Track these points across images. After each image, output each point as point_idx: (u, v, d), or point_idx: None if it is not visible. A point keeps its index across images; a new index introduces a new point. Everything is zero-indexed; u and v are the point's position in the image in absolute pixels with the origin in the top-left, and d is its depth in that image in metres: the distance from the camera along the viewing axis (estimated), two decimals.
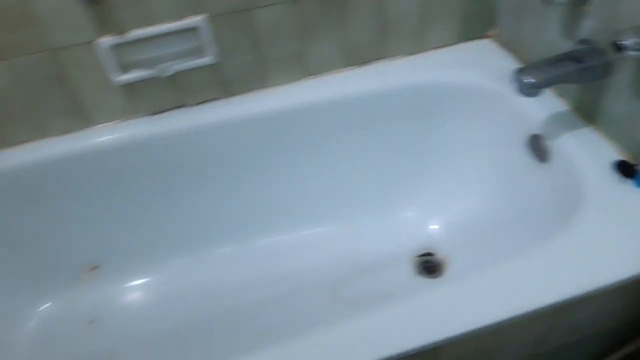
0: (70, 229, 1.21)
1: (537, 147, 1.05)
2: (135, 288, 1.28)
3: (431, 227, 1.32)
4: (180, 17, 1.03)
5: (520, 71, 0.90)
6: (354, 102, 1.20)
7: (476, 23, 1.24)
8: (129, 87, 1.10)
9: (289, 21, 1.11)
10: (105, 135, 1.13)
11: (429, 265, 1.27)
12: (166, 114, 1.16)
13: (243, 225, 1.33)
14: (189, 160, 1.19)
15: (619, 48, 0.79)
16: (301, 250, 1.33)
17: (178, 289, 1.28)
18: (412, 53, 1.25)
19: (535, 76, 0.88)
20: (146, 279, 1.29)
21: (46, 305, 1.24)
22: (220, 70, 1.14)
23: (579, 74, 0.90)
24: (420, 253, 1.29)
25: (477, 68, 1.19)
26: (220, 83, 1.16)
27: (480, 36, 1.27)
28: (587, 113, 1.00)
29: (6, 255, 1.18)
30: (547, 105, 1.06)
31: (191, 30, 1.05)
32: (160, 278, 1.30)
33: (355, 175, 1.33)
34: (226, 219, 1.32)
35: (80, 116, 1.11)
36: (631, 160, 0.91)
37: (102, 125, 1.14)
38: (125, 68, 1.06)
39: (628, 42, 0.78)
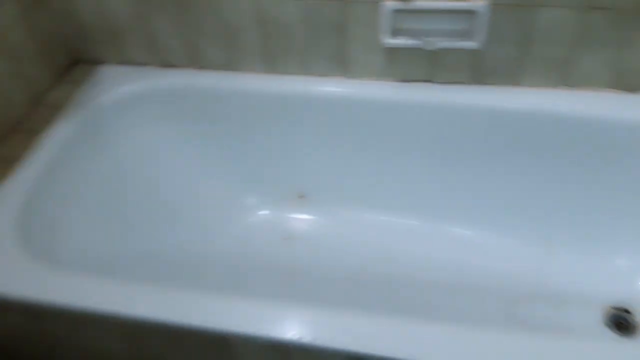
0: (294, 157, 1.37)
1: None
2: (331, 221, 1.40)
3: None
4: None
5: None
6: (606, 128, 1.12)
7: None
8: (392, 51, 1.17)
9: (569, 27, 1.07)
10: (356, 88, 1.23)
11: (622, 322, 1.17)
12: (414, 84, 1.22)
13: (441, 206, 1.35)
14: (421, 133, 1.24)
15: None
16: (489, 252, 1.31)
17: (360, 239, 1.36)
18: None
19: None
20: (343, 216, 1.40)
21: (263, 212, 1.42)
22: (480, 57, 1.15)
23: None
24: (616, 305, 1.19)
25: None
26: (474, 69, 1.17)
27: None
28: None
29: (241, 165, 1.38)
30: None
31: (469, 12, 1.07)
32: (354, 223, 1.39)
33: (571, 199, 1.26)
34: (423, 195, 1.35)
35: (340, 65, 1.22)
36: None
37: (357, 79, 1.24)
38: (395, 33, 1.14)
39: None
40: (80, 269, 0.94)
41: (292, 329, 0.80)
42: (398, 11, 1.10)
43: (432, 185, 1.33)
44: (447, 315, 1.19)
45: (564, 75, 1.15)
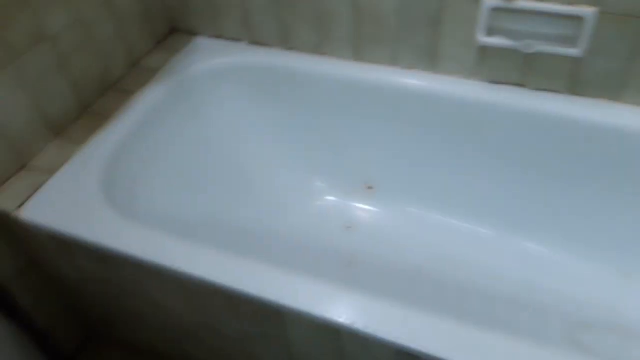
0: (368, 147, 1.36)
1: None
2: (397, 216, 1.38)
3: None
4: (571, 2, 1.00)
5: None
6: None
7: None
8: (485, 50, 1.13)
9: None
10: (444, 84, 1.20)
11: None
12: (504, 87, 1.17)
13: (516, 218, 1.30)
14: (505, 139, 1.20)
15: None
16: (562, 272, 1.25)
17: (426, 239, 1.34)
18: None
19: None
20: (409, 213, 1.38)
21: (330, 198, 1.43)
22: (580, 67, 1.08)
23: None
24: None
25: None
26: (572, 78, 1.11)
27: None
28: None
29: (315, 149, 1.40)
30: None
31: (575, 18, 1.01)
32: (420, 222, 1.37)
33: None
34: (498, 203, 1.30)
35: (430, 59, 1.20)
36: None
37: (445, 75, 1.21)
38: (491, 31, 1.10)
39: None
40: (153, 224, 0.98)
41: (345, 313, 0.80)
42: (498, 9, 1.06)
43: (509, 194, 1.28)
44: (506, 329, 1.15)
45: None
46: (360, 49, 1.25)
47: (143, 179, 1.13)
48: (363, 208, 1.41)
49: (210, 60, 1.33)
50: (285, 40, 1.32)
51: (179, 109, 1.26)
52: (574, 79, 1.11)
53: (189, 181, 1.24)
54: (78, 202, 0.98)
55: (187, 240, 0.91)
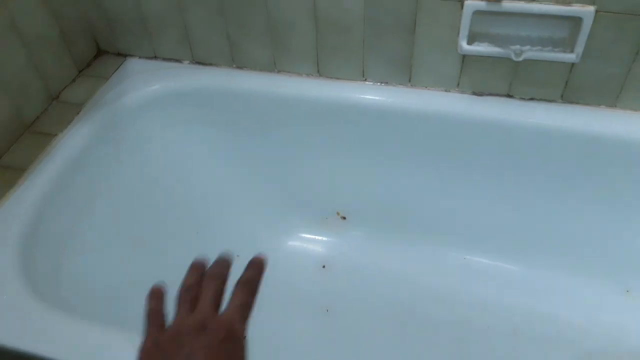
0: (338, 174, 1.20)
1: None
2: (376, 248, 1.24)
3: None
4: (566, 1, 0.87)
5: None
6: None
7: None
8: (468, 58, 0.99)
9: None
10: (421, 99, 1.05)
11: None
12: (490, 98, 1.04)
13: (507, 241, 1.18)
14: (492, 156, 1.07)
15: None
16: (558, 297, 1.14)
17: (412, 272, 1.20)
18: None
19: None
20: (389, 243, 1.24)
21: (300, 234, 1.26)
22: (574, 72, 0.96)
23: None
24: None
25: None
26: (565, 85, 0.99)
27: None
28: None
29: (278, 179, 1.23)
30: None
31: (571, 19, 0.89)
32: (400, 254, 1.23)
33: None
34: (486, 226, 1.18)
35: (404, 71, 1.05)
36: None
37: (422, 88, 1.06)
38: (474, 38, 0.95)
39: None
40: (89, 305, 0.78)
41: None
42: (481, 12, 0.91)
43: (499, 217, 1.16)
44: None
45: None
46: (324, 63, 1.08)
47: (72, 244, 0.92)
48: (337, 242, 1.25)
49: (146, 87, 1.12)
50: (234, 58, 1.13)
51: (112, 150, 1.05)
52: (568, 86, 0.99)
53: (130, 237, 1.02)
54: None
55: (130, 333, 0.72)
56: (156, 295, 0.53)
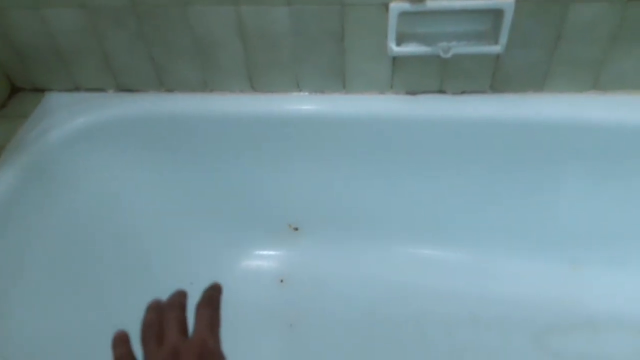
0: (286, 186, 1.18)
1: None
2: (332, 256, 1.23)
3: None
4: None
5: None
6: None
7: None
8: (398, 60, 1.00)
9: (605, 23, 0.92)
10: (357, 104, 1.05)
11: None
12: (424, 96, 1.05)
13: (454, 231, 1.20)
14: (433, 151, 1.08)
15: None
16: (508, 277, 1.18)
17: (369, 274, 1.21)
18: None
19: None
20: (344, 250, 1.23)
21: (252, 252, 1.24)
22: (500, 63, 0.99)
23: None
24: None
25: None
26: (492, 76, 1.01)
27: None
28: None
29: (225, 200, 1.20)
30: None
31: (493, 12, 0.91)
32: (355, 258, 1.23)
33: (599, 213, 1.13)
34: (435, 220, 1.20)
35: (338, 79, 1.04)
36: None
37: (358, 94, 1.06)
38: (402, 39, 0.96)
39: None
40: None
41: None
42: (406, 14, 0.92)
43: (442, 208, 1.18)
44: (474, 354, 1.07)
45: (595, 78, 1.00)
46: (256, 78, 1.05)
47: (1, 308, 0.85)
48: (291, 254, 1.23)
49: (70, 122, 1.06)
50: (163, 82, 1.09)
51: (38, 196, 0.98)
52: (494, 77, 1.02)
53: (72, 282, 0.96)
54: None
55: None
56: (121, 341, 0.51)
